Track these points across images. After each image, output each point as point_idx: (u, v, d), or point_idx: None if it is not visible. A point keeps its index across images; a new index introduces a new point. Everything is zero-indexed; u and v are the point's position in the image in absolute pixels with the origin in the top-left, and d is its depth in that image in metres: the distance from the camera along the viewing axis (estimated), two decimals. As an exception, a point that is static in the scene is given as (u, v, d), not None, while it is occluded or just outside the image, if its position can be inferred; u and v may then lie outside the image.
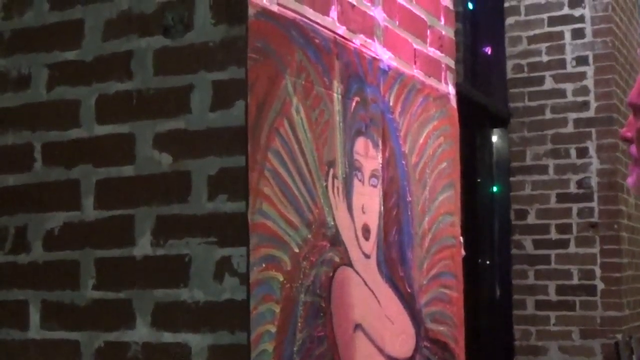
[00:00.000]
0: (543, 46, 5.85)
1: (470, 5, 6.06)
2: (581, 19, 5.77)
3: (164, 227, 1.89)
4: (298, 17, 2.03)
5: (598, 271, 5.60)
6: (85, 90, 1.99)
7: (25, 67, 2.06)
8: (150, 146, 1.91)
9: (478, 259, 5.88)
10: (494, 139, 6.16)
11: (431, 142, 2.69)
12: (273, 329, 1.86)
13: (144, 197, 1.91)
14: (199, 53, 1.88)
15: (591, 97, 5.74)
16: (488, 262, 6.06)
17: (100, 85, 1.98)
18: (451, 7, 2.96)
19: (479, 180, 6.04)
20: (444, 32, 2.88)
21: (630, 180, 1.83)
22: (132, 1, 1.95)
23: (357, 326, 2.20)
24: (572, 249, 5.70)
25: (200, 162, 1.86)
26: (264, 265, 1.85)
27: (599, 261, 5.63)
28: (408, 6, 2.63)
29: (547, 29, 5.85)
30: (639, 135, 1.75)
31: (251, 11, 1.86)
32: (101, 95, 1.97)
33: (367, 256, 2.28)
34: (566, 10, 5.80)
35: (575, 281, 5.69)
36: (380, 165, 2.37)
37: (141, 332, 1.89)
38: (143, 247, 1.90)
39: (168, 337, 1.86)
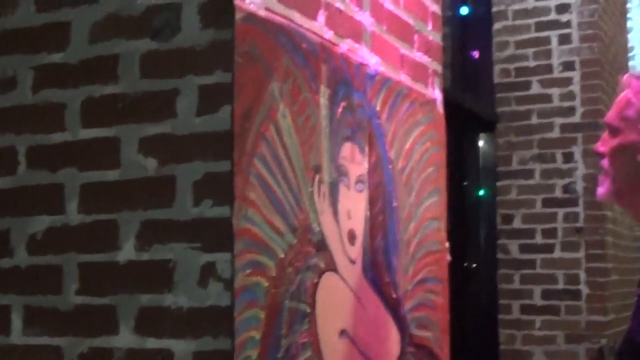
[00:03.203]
0: (530, 51, 5.86)
1: (459, 10, 6.07)
2: (568, 24, 5.78)
3: (149, 232, 1.88)
4: (285, 21, 2.03)
5: (583, 276, 5.61)
6: (71, 93, 1.98)
7: (11, 69, 2.04)
8: (135, 150, 1.90)
9: (464, 263, 5.89)
10: (481, 143, 6.17)
11: (418, 148, 2.68)
12: (257, 335, 1.85)
13: (129, 202, 1.90)
14: (186, 57, 1.87)
15: (577, 103, 5.75)
16: (474, 266, 6.06)
17: (86, 89, 1.96)
18: (439, 12, 2.96)
19: (465, 184, 6.04)
20: (431, 37, 2.87)
21: (600, 190, 1.95)
22: (119, 4, 1.94)
23: (342, 332, 2.19)
24: (557, 253, 5.71)
25: (185, 167, 1.85)
26: (248, 270, 1.84)
27: (584, 266, 5.64)
28: (395, 11, 2.62)
29: (534, 34, 5.86)
30: (612, 152, 1.88)
31: (238, 15, 1.85)
32: (87, 99, 1.96)
33: (353, 262, 2.27)
34: (553, 16, 5.81)
35: (560, 285, 5.69)
36: (367, 171, 2.36)
37: (125, 338, 1.88)
38: (127, 252, 1.89)
39: (152, 342, 1.85)
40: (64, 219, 1.96)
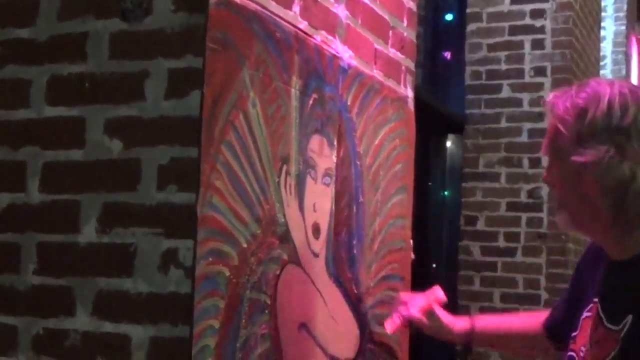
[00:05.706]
0: (502, 55, 5.88)
1: (433, 10, 6.07)
2: (542, 30, 5.81)
3: (111, 215, 1.85)
4: (260, 9, 2.00)
5: (543, 281, 5.65)
6: (37, 70, 1.94)
7: (-24, 43, 2.01)
8: (100, 131, 1.87)
9: (425, 263, 5.89)
10: (449, 144, 6.18)
11: (386, 144, 2.67)
12: (216, 325, 1.83)
13: (92, 183, 1.87)
14: (157, 39, 1.84)
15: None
16: (435, 267, 6.07)
17: (53, 66, 1.92)
18: (414, 9, 2.95)
19: (430, 184, 6.05)
20: (405, 34, 2.86)
21: (558, 220, 1.95)
22: (90, -18, 1.90)
23: (302, 325, 2.17)
24: (518, 257, 5.74)
25: (151, 151, 1.82)
26: (210, 259, 1.81)
27: (544, 271, 5.67)
28: (371, 5, 2.61)
29: (507, 38, 5.88)
30: (557, 181, 1.88)
31: (212, 0, 1.82)
32: (53, 76, 1.92)
33: (316, 255, 2.26)
34: (527, 21, 5.83)
35: (520, 290, 5.72)
36: (335, 164, 2.35)
37: (81, 321, 1.85)
38: (88, 234, 1.86)
39: (108, 327, 1.82)
40: (24, 197, 1.92)
